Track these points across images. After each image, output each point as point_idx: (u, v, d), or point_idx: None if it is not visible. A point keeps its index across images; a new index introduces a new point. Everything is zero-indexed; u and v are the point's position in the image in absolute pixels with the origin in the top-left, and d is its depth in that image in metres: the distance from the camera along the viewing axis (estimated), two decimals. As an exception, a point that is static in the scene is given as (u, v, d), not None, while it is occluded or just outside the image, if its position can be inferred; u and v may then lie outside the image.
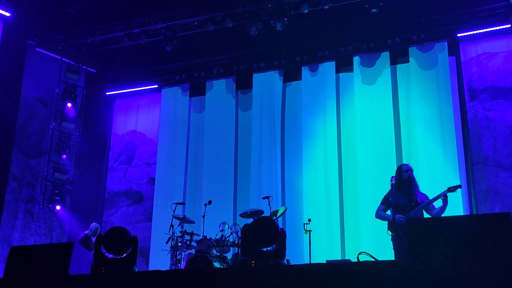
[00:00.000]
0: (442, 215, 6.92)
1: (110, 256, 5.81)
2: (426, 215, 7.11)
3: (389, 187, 7.12)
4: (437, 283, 3.86)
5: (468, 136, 10.26)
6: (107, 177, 12.91)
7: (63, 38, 12.15)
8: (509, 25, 9.92)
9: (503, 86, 10.21)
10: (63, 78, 12.36)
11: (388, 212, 7.20)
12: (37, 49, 12.15)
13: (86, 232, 10.56)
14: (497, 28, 10.34)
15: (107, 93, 13.27)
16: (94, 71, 13.11)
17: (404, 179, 7.17)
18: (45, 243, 11.25)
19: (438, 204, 7.03)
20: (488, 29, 10.41)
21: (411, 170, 7.26)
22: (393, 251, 7.02)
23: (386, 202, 7.23)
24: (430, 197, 7.08)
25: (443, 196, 6.88)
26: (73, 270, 5.32)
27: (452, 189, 6.89)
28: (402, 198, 7.04)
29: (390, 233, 7.06)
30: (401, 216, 6.82)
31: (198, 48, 12.10)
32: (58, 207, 11.83)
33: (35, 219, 11.64)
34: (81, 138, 12.62)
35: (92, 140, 12.82)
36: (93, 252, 5.92)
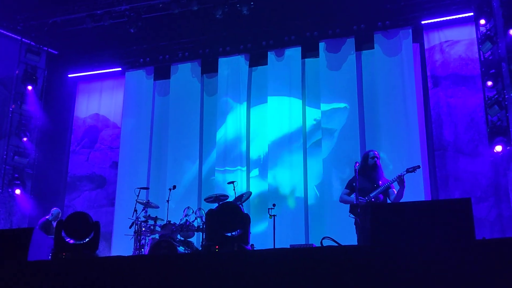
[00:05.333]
0: (403, 200, 7.07)
1: (71, 241, 5.72)
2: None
3: (353, 173, 7.24)
4: (400, 267, 3.91)
5: (430, 122, 10.43)
6: (69, 161, 12.69)
7: (23, 18, 11.80)
8: (472, 13, 10.05)
9: (464, 74, 10.38)
10: (23, 59, 12.03)
11: (352, 196, 7.32)
12: (-4, 28, 11.80)
13: (47, 217, 10.36)
14: (460, 16, 10.50)
15: (69, 75, 12.97)
16: (56, 52, 12.80)
17: (369, 165, 7.30)
18: (5, 228, 11.02)
19: (397, 187, 7.17)
20: (451, 17, 10.56)
21: (378, 158, 7.40)
22: (356, 235, 7.14)
23: (350, 186, 7.37)
24: None
25: (400, 178, 7.01)
26: (33, 255, 5.21)
27: (410, 169, 7.06)
28: (366, 182, 7.20)
29: (352, 216, 7.20)
30: (361, 198, 6.96)
31: (163, 31, 11.92)
32: (18, 191, 11.57)
33: (-6, 204, 11.39)
34: (42, 121, 12.33)
35: (53, 123, 12.53)
36: (53, 237, 5.82)
